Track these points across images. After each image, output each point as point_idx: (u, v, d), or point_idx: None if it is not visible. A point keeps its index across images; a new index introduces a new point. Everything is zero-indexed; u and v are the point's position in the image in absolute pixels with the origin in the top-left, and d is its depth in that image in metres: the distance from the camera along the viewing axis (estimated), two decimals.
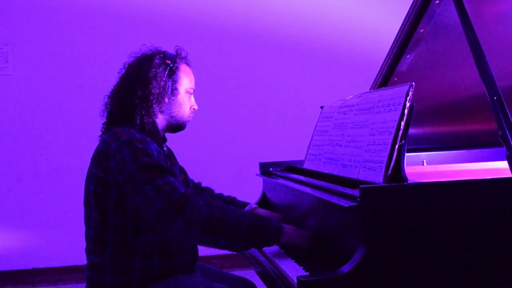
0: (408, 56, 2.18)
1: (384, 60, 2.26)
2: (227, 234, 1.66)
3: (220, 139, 4.38)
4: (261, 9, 4.44)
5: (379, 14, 4.47)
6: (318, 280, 1.37)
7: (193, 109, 1.98)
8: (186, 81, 1.93)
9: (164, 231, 1.71)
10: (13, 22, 4.15)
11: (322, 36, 4.51)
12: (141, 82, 1.84)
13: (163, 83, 1.85)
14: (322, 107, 2.33)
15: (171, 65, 1.89)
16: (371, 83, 2.38)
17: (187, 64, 1.97)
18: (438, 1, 1.94)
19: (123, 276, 1.75)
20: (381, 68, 2.30)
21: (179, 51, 1.96)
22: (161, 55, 1.90)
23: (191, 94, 1.96)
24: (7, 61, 4.14)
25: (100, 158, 1.77)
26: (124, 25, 4.26)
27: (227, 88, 4.40)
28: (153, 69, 1.85)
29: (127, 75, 1.91)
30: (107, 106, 1.91)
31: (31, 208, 4.15)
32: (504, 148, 1.60)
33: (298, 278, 1.39)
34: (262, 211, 2.19)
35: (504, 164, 1.70)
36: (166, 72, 1.87)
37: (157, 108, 1.86)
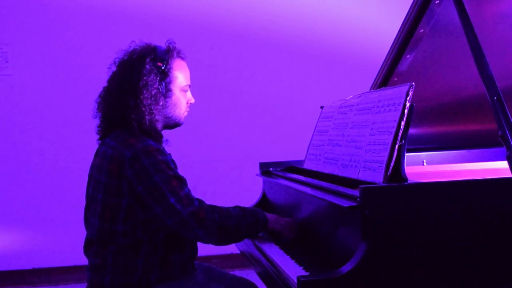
0: (408, 56, 2.18)
1: (384, 60, 2.26)
2: (233, 238, 1.83)
3: (220, 139, 4.38)
4: (261, 9, 4.44)
5: (379, 14, 4.46)
6: (318, 280, 1.37)
7: (190, 103, 1.94)
8: (180, 79, 1.88)
9: (183, 236, 1.80)
10: (13, 22, 4.14)
11: (322, 36, 4.51)
12: (133, 92, 1.78)
13: (155, 91, 1.80)
14: (322, 107, 2.33)
15: (162, 67, 1.83)
16: (371, 83, 2.38)
17: (181, 58, 1.90)
18: (438, 1, 1.94)
19: (125, 277, 1.74)
20: (381, 68, 2.30)
21: (171, 46, 1.88)
22: (152, 57, 1.82)
23: (186, 91, 1.92)
24: (7, 61, 4.14)
25: (112, 166, 1.74)
26: (125, 25, 4.25)
27: (227, 88, 4.40)
28: (144, 77, 1.79)
29: (118, 77, 1.85)
30: (100, 106, 1.87)
31: (31, 208, 4.15)
32: (504, 148, 1.60)
33: (298, 278, 1.39)
34: None
35: (504, 164, 1.70)
36: (158, 77, 1.82)
37: (151, 112, 1.80)
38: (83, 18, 4.23)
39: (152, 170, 1.71)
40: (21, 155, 4.16)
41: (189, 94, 1.94)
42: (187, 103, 1.93)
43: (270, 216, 1.93)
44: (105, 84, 1.89)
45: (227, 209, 1.83)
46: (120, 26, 4.26)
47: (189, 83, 1.92)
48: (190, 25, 4.32)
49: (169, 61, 1.85)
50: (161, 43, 1.93)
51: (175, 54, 1.88)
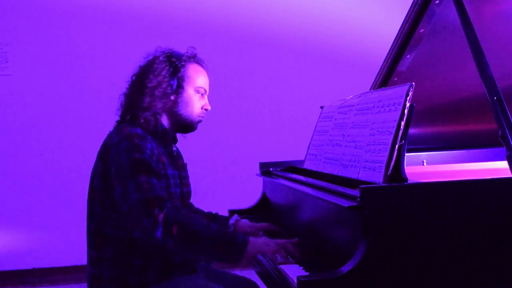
0: (408, 56, 2.18)
1: (384, 60, 2.26)
2: (191, 245, 1.68)
3: (220, 139, 4.38)
4: (260, 9, 4.44)
5: (379, 14, 4.46)
6: (318, 280, 1.37)
7: (205, 109, 1.97)
8: (195, 80, 1.92)
9: (134, 229, 1.71)
10: (13, 22, 4.14)
11: (322, 36, 4.51)
12: (143, 80, 1.86)
13: (164, 79, 1.86)
14: (322, 107, 2.33)
15: (176, 63, 1.89)
16: (371, 83, 2.38)
17: (199, 64, 1.96)
18: (438, 1, 1.94)
19: (122, 272, 1.75)
20: (381, 68, 2.29)
21: (190, 51, 1.95)
22: (168, 54, 1.91)
23: (202, 94, 1.95)
24: (7, 61, 4.14)
25: (104, 151, 1.81)
26: (126, 25, 4.25)
27: (227, 88, 4.39)
28: (155, 65, 1.87)
29: (136, 72, 1.94)
30: (121, 105, 1.94)
31: (31, 208, 4.15)
32: (504, 148, 1.60)
33: (298, 278, 1.39)
34: (244, 222, 2.16)
35: (504, 164, 1.70)
36: (170, 70, 1.87)
37: (162, 105, 1.86)
38: (83, 18, 4.23)
39: (123, 152, 1.73)
40: (21, 155, 4.16)
41: (206, 99, 1.97)
42: (201, 108, 1.95)
43: (257, 239, 1.75)
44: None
45: (195, 216, 1.78)
46: (120, 26, 4.26)
47: (204, 87, 1.95)
48: (190, 25, 4.32)
49: (185, 60, 1.91)
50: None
51: (192, 58, 1.94)
